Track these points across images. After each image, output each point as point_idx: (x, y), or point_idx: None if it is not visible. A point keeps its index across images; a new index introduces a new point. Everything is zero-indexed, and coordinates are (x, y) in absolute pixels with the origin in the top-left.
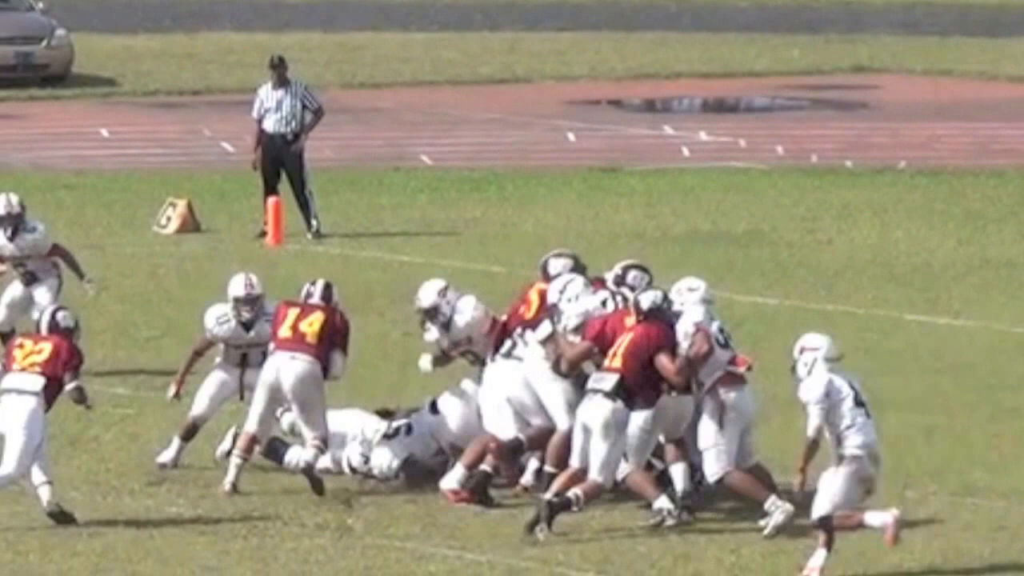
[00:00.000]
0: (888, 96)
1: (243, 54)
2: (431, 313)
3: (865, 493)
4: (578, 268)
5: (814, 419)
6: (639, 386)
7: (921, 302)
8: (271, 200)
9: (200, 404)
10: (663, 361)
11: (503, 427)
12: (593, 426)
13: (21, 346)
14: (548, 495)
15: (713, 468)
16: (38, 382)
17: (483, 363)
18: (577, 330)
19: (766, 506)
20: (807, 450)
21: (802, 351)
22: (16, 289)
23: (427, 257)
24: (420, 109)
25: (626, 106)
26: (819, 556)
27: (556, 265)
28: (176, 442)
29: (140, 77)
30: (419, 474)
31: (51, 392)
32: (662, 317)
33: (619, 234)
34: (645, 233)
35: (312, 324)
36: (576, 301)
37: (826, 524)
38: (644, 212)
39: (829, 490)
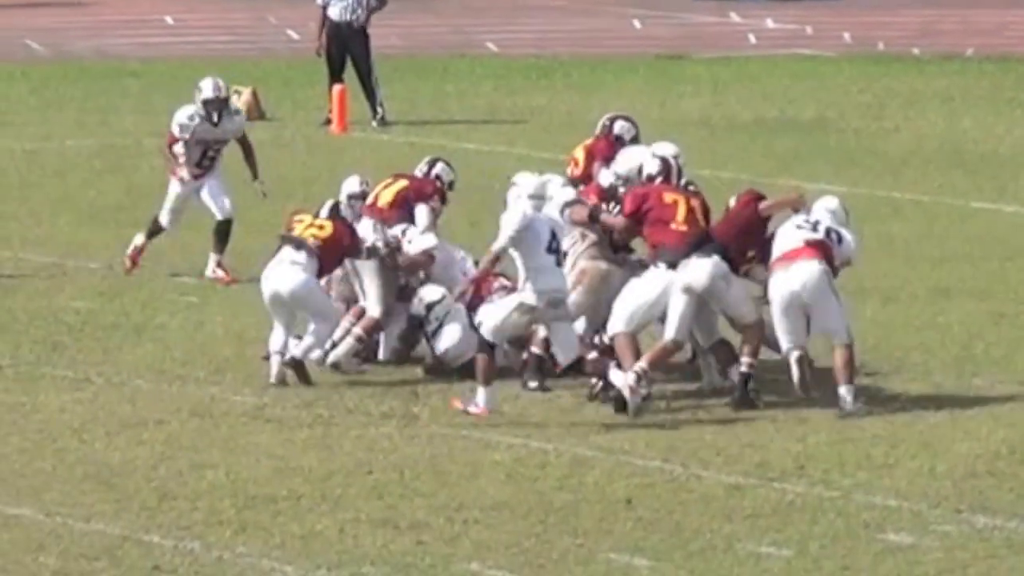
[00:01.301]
0: None
1: None
2: None
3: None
4: (636, 133)
5: (500, 241)
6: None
7: (989, 190)
8: (336, 88)
9: None
10: None
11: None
12: (699, 288)
13: (301, 220)
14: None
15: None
16: (313, 249)
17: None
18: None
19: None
20: (488, 263)
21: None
22: (176, 191)
23: (492, 145)
24: None
25: None
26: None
27: (621, 127)
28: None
29: None
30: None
31: (318, 266)
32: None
33: (685, 122)
34: (711, 121)
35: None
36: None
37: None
38: (710, 100)
39: (493, 314)
